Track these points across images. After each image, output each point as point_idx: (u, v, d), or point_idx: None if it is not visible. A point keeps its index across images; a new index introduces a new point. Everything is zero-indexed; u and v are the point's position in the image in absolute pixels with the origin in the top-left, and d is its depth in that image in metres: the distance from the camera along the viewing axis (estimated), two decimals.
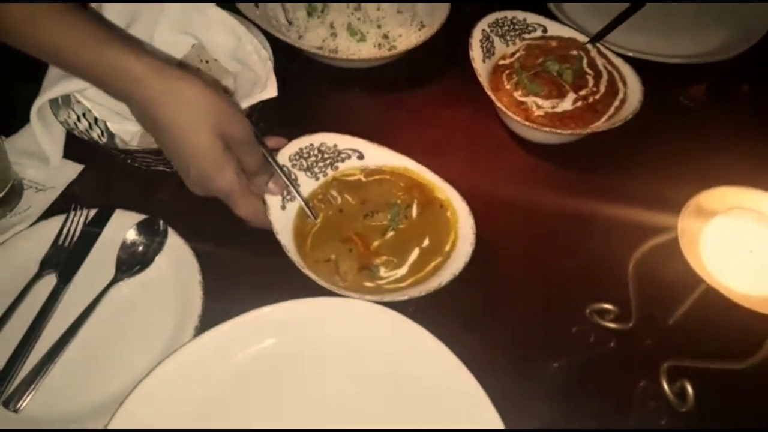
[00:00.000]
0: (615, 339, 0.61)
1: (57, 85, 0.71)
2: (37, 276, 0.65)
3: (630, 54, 0.80)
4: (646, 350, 0.60)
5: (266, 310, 0.59)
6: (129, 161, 0.73)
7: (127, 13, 0.75)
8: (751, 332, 0.55)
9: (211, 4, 0.77)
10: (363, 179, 0.67)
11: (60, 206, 0.72)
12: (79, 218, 0.69)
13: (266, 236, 0.61)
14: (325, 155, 0.67)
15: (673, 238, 0.50)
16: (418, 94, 0.83)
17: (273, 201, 0.63)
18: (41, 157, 0.75)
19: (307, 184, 0.67)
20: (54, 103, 0.71)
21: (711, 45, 0.89)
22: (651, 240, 0.57)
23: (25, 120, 0.75)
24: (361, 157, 0.68)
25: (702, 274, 0.48)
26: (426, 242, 0.62)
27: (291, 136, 0.67)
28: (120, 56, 0.55)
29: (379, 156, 0.68)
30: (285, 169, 0.65)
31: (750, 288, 0.49)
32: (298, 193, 0.64)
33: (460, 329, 0.58)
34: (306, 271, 0.58)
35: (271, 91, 0.71)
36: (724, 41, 0.89)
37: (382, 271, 0.61)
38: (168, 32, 0.78)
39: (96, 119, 0.75)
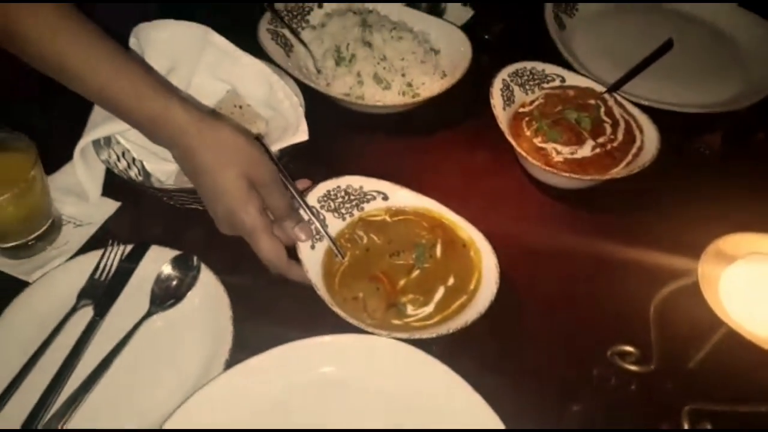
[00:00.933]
0: (636, 382, 0.62)
1: (100, 126, 0.75)
2: (75, 308, 0.68)
3: (645, 103, 0.83)
4: (667, 393, 0.61)
5: (295, 345, 0.61)
6: (165, 199, 0.76)
7: (168, 60, 0.80)
8: None
9: (245, 53, 0.81)
10: (388, 219, 0.70)
11: (97, 241, 0.75)
12: (116, 253, 0.72)
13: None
14: (352, 197, 0.70)
15: (694, 282, 0.52)
16: (441, 140, 0.87)
17: (304, 243, 0.65)
18: (80, 194, 0.79)
19: (335, 225, 0.69)
20: (96, 143, 0.76)
21: (725, 95, 0.92)
22: (672, 284, 0.59)
23: (64, 159, 0.79)
24: (385, 198, 0.71)
25: (723, 317, 0.50)
26: (451, 281, 0.64)
27: (319, 178, 0.71)
28: (167, 107, 0.61)
29: (403, 197, 0.70)
30: (314, 210, 0.68)
31: None
32: (327, 233, 0.67)
33: (483, 369, 0.60)
34: (335, 308, 0.60)
35: (301, 135, 0.75)
36: (739, 91, 0.92)
37: (410, 309, 0.63)
38: (205, 79, 0.82)
39: (134, 159, 0.79)
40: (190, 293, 0.68)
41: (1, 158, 0.71)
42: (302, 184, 0.70)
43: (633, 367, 0.62)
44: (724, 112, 0.87)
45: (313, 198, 0.69)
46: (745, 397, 0.57)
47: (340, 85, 0.87)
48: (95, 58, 0.60)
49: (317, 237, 0.67)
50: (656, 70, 0.88)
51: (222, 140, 0.62)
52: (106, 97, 0.61)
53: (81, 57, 0.60)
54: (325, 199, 0.69)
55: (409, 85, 0.88)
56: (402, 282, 0.65)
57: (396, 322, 0.62)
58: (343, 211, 0.70)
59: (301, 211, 0.67)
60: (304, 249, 0.65)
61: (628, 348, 0.63)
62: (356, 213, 0.70)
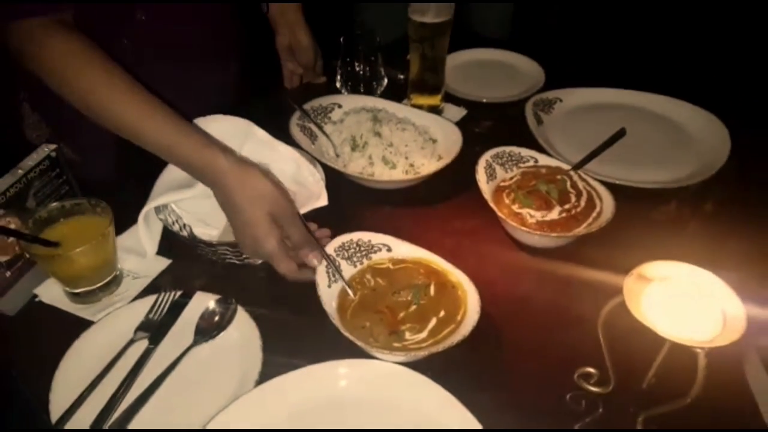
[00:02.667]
0: (601, 402, 0.74)
1: (161, 197, 0.93)
2: (132, 340, 0.82)
3: (604, 179, 1.00)
4: (624, 407, 0.73)
5: (314, 367, 0.74)
6: (209, 255, 0.93)
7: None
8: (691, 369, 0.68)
9: (280, 142, 1.01)
10: (391, 267, 0.86)
11: (151, 290, 0.91)
12: (167, 298, 0.87)
13: (315, 308, 0.79)
14: (362, 248, 0.87)
15: (622, 300, 0.66)
16: (437, 208, 1.04)
17: (322, 282, 0.81)
18: (140, 253, 0.95)
19: (348, 270, 0.85)
20: (156, 208, 0.94)
21: (679, 173, 1.08)
22: (608, 304, 0.73)
23: (129, 223, 0.97)
24: (389, 250, 0.87)
25: (646, 323, 0.63)
26: (442, 313, 0.79)
27: (336, 233, 0.88)
28: (214, 156, 0.81)
29: (404, 249, 0.87)
30: (331, 257, 0.84)
31: (690, 332, 0.64)
32: (341, 276, 0.83)
33: (469, 387, 0.72)
34: (346, 334, 0.75)
35: (322, 201, 0.93)
36: (690, 171, 1.09)
37: (407, 335, 0.76)
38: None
39: (184, 224, 0.97)
40: (228, 327, 0.83)
41: (84, 219, 0.89)
42: (323, 233, 0.87)
43: (595, 389, 0.74)
44: (674, 187, 1.04)
45: (331, 248, 0.85)
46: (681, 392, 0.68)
47: (355, 166, 1.07)
48: (162, 123, 0.82)
49: (334, 279, 0.82)
50: (622, 152, 1.06)
51: (253, 183, 0.81)
52: (175, 153, 0.83)
53: (152, 126, 0.82)
54: (341, 249, 0.86)
55: (411, 165, 1.07)
56: (401, 314, 0.79)
57: (396, 345, 0.75)
58: (355, 259, 0.86)
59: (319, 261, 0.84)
60: (322, 287, 0.80)
61: (590, 369, 0.76)
62: (365, 261, 0.86)
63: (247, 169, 0.81)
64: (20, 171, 0.86)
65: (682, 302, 0.65)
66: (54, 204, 0.88)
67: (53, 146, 0.90)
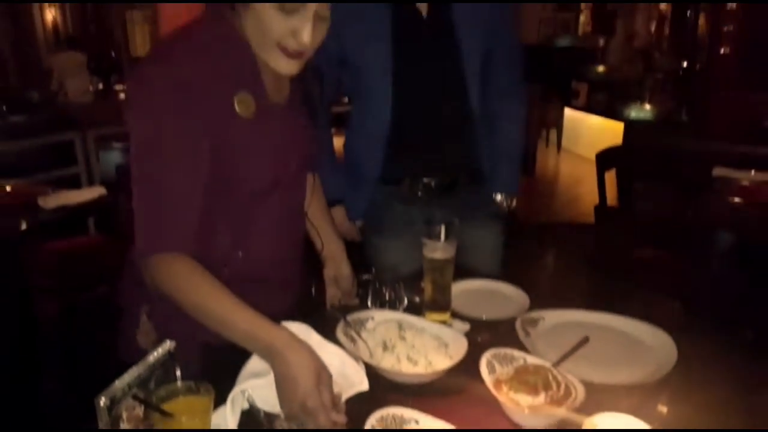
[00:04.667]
0: None
1: (245, 382, 1.25)
2: None
3: (575, 377, 1.31)
4: None
5: None
6: (273, 425, 1.20)
7: None
8: None
9: (329, 343, 1.35)
10: None
11: None
12: None
13: None
14: (396, 419, 1.15)
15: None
16: (449, 395, 1.33)
17: None
18: (224, 425, 1.23)
19: None
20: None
21: (638, 374, 1.39)
22: None
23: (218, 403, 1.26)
24: (417, 422, 1.15)
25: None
26: None
27: (373, 410, 1.17)
28: (271, 336, 1.19)
29: (428, 422, 1.15)
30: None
31: None
32: None
33: None
34: None
35: (364, 386, 1.24)
36: (648, 372, 1.40)
37: None
38: None
39: (257, 408, 1.26)
40: None
41: (193, 397, 1.18)
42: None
43: None
44: (638, 384, 1.34)
45: (373, 417, 1.14)
46: None
47: (385, 363, 1.39)
48: (244, 315, 1.21)
49: None
50: (589, 353, 1.39)
51: (302, 358, 1.16)
52: (248, 337, 1.21)
53: (236, 317, 1.21)
54: (381, 419, 1.15)
55: (430, 363, 1.39)
56: None
57: None
58: (393, 426, 1.14)
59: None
60: None
61: None
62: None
63: (297, 346, 1.18)
64: (149, 360, 1.19)
65: None
66: (169, 385, 1.18)
67: (172, 343, 1.24)
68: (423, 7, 1.90)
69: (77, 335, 3.27)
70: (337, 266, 1.73)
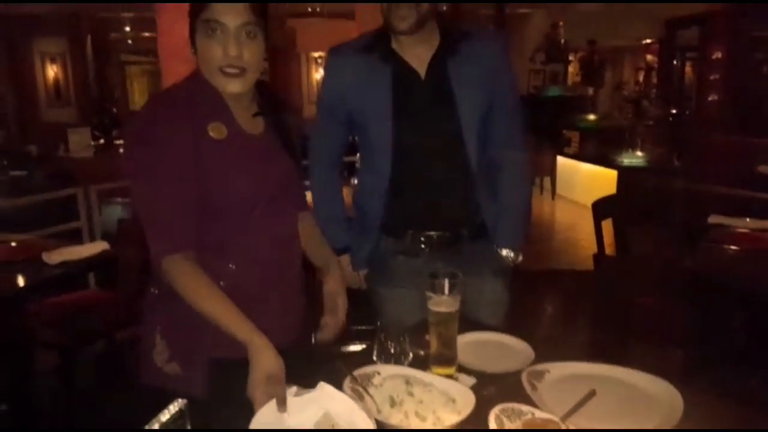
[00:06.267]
0: None
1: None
2: None
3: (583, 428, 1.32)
4: None
5: None
6: None
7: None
8: None
9: (339, 392, 1.37)
10: None
11: None
12: None
13: None
14: None
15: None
16: None
17: None
18: None
19: None
20: None
21: (650, 425, 1.40)
22: None
23: None
24: None
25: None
26: None
27: None
28: (257, 337, 1.43)
29: None
30: None
31: None
32: None
33: None
34: None
35: None
36: (657, 423, 1.41)
37: None
38: (311, 407, 1.36)
39: None
40: None
41: None
42: None
43: None
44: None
45: None
46: None
47: (394, 420, 1.39)
48: (237, 319, 1.46)
49: None
50: (598, 406, 1.40)
51: (270, 356, 1.41)
52: (246, 342, 1.43)
53: (231, 319, 1.46)
54: None
55: (438, 418, 1.39)
56: None
57: None
58: None
59: None
60: None
61: None
62: None
63: (270, 348, 1.43)
64: (163, 417, 1.20)
65: None
66: None
67: (184, 401, 1.25)
68: (421, 69, 1.99)
69: (75, 388, 3.25)
70: (333, 301, 1.86)
